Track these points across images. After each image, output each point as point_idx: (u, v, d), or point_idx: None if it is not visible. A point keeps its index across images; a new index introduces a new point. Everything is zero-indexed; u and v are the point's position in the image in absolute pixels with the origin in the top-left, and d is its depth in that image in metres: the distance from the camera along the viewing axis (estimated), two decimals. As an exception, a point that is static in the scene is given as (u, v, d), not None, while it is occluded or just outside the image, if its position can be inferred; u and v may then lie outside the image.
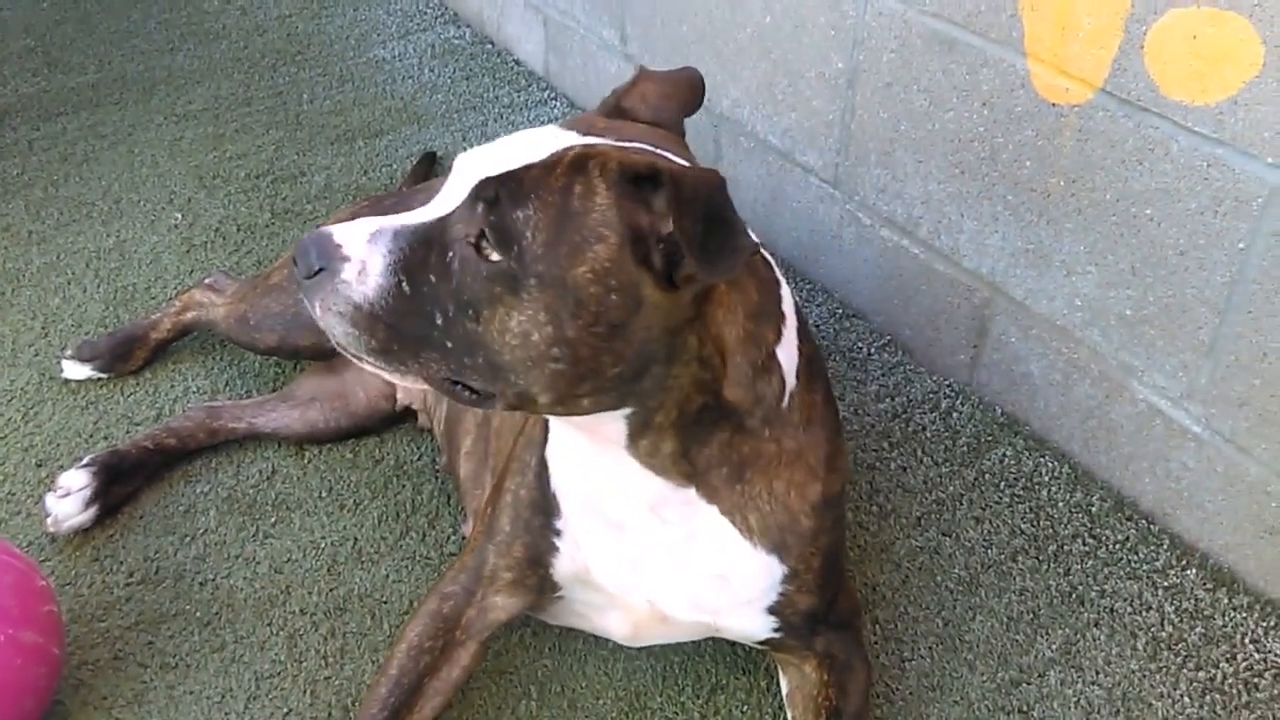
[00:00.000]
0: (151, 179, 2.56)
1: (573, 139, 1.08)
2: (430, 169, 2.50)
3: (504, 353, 1.04)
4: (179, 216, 2.43)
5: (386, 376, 1.12)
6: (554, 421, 1.25)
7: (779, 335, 1.20)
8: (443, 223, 1.05)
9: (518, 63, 3.10)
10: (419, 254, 1.05)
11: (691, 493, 1.22)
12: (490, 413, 1.57)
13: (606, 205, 1.02)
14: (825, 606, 1.35)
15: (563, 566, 1.33)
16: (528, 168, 1.03)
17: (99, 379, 1.96)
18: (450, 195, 1.06)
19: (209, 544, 1.68)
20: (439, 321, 1.05)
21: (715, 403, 1.15)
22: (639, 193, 1.01)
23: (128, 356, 1.96)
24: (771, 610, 1.32)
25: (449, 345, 1.06)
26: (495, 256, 1.02)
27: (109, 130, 2.76)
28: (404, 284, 1.05)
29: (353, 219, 1.81)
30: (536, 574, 1.34)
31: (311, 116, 2.83)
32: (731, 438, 1.19)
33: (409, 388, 1.84)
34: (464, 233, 1.03)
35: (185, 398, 1.94)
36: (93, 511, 1.67)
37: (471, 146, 2.75)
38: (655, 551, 1.28)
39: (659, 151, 1.10)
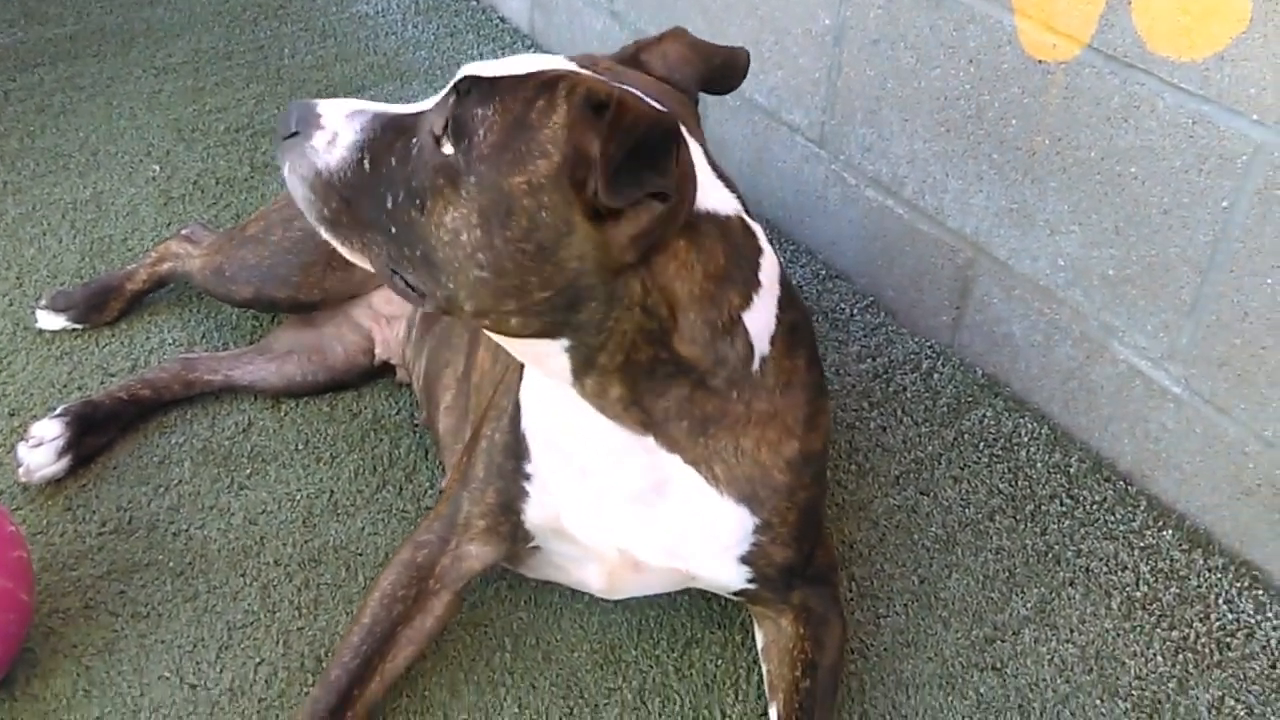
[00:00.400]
0: (129, 131, 2.53)
1: (565, 65, 1.08)
2: (412, 125, 2.47)
3: (438, 249, 1.07)
4: (157, 169, 2.40)
5: (342, 251, 1.18)
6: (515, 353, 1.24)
7: (747, 301, 1.17)
8: (420, 116, 1.10)
9: (502, 20, 3.07)
10: (388, 138, 1.10)
11: (650, 441, 1.21)
12: (471, 368, 1.56)
13: (560, 125, 1.02)
14: (802, 561, 1.35)
15: (533, 513, 1.33)
16: (506, 75, 1.06)
17: (74, 330, 1.94)
18: (440, 96, 1.09)
19: (183, 495, 1.67)
20: (388, 205, 1.10)
21: (669, 356, 1.15)
22: (596, 121, 1.00)
23: (103, 307, 1.94)
24: (745, 560, 1.31)
25: (393, 230, 1.10)
26: (447, 149, 1.05)
27: (87, 82, 2.71)
28: (365, 161, 1.11)
29: None
30: (509, 520, 1.34)
31: (293, 71, 2.80)
32: (692, 394, 1.18)
33: (386, 340, 1.83)
34: (430, 123, 1.07)
35: (161, 350, 1.92)
36: (65, 461, 1.66)
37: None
38: (622, 498, 1.27)
39: (644, 97, 1.08)
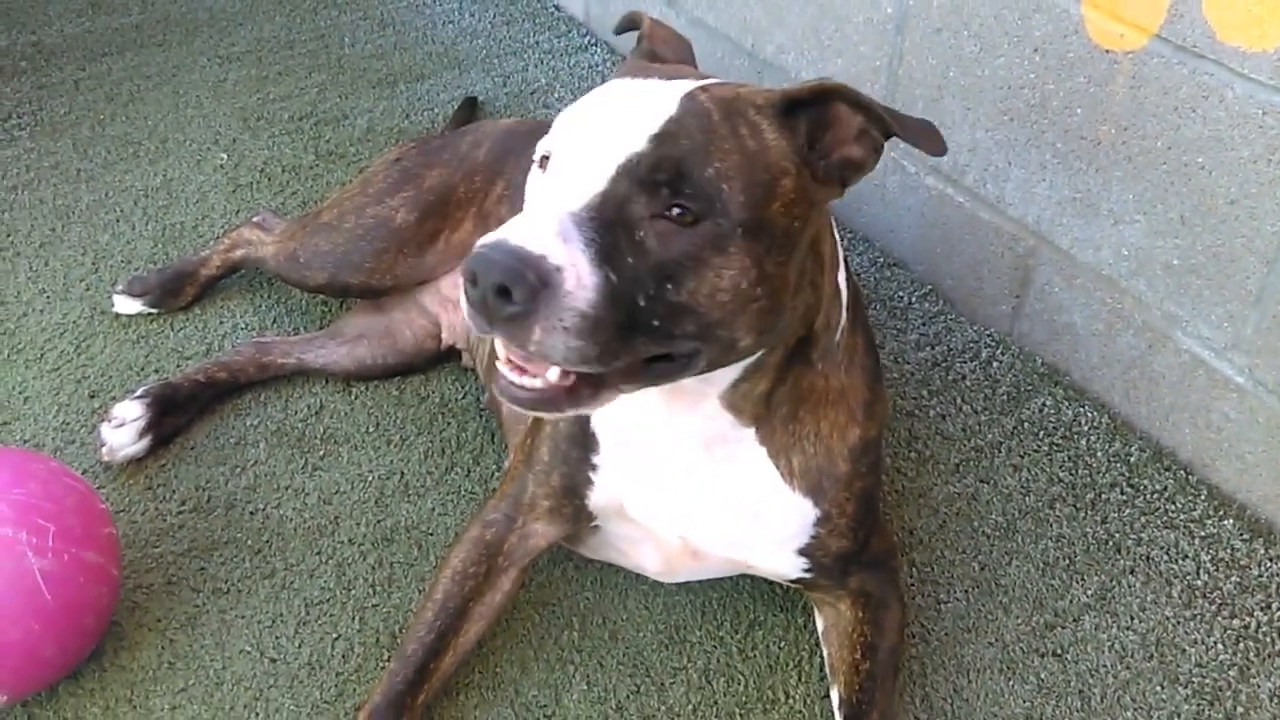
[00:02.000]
0: (196, 119, 2.58)
1: (666, 84, 1.08)
2: (471, 114, 2.51)
3: (713, 311, 1.03)
4: (224, 156, 2.45)
5: (599, 371, 1.03)
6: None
7: (837, 264, 1.22)
8: (609, 200, 1.00)
9: (558, 8, 3.09)
10: (608, 239, 0.99)
11: (750, 433, 1.25)
12: None
13: (775, 138, 1.07)
14: (857, 549, 1.38)
15: (597, 498, 1.36)
16: (679, 126, 1.02)
17: (149, 314, 2.00)
18: (585, 170, 1.02)
19: (259, 475, 1.72)
20: (642, 303, 1.00)
21: (808, 333, 1.20)
22: (792, 120, 1.08)
23: (178, 292, 1.99)
24: (802, 552, 1.34)
25: (655, 324, 1.02)
26: (696, 221, 1.00)
27: (153, 71, 2.77)
28: (610, 275, 0.98)
29: (398, 161, 1.84)
30: (572, 503, 1.37)
31: (353, 60, 2.84)
32: (800, 372, 1.23)
33: (453, 325, 1.86)
34: (646, 209, 1.00)
35: (234, 334, 1.97)
36: (146, 441, 1.71)
37: (513, 92, 2.74)
38: (691, 489, 1.30)
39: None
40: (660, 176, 1.00)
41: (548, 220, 0.98)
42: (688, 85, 1.08)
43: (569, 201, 1.00)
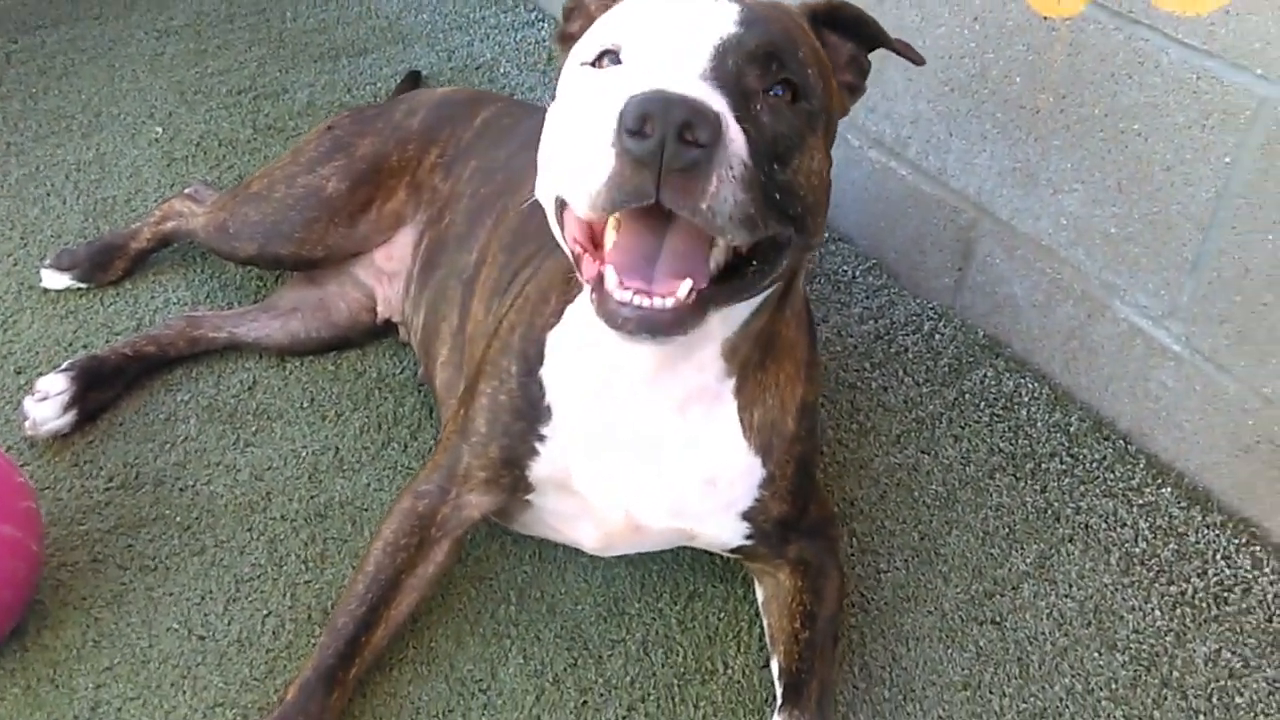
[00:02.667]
0: (132, 93, 2.52)
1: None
2: (415, 88, 2.46)
3: (810, 194, 1.06)
4: (159, 130, 2.39)
5: (736, 240, 0.99)
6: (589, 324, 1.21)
7: None
8: (725, 72, 1.00)
9: (505, -17, 3.05)
10: (734, 105, 0.98)
11: (731, 384, 1.25)
12: (465, 319, 1.57)
13: (815, 42, 1.15)
14: (796, 514, 1.37)
15: (540, 469, 1.33)
16: (759, 16, 1.06)
17: (78, 289, 1.95)
18: (679, 51, 1.00)
19: (189, 451, 1.68)
20: (762, 177, 0.98)
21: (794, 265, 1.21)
22: (818, 28, 1.18)
23: (107, 266, 1.94)
24: (746, 516, 1.33)
25: (777, 197, 1.01)
26: (794, 100, 1.04)
27: (88, 44, 2.71)
28: (750, 133, 0.97)
29: (330, 130, 1.81)
30: (511, 474, 1.35)
31: (294, 34, 2.79)
32: (774, 317, 1.24)
33: (388, 298, 1.83)
34: (759, 83, 1.02)
35: (165, 308, 1.92)
36: (71, 416, 1.67)
37: (458, 67, 2.71)
38: (648, 457, 1.28)
39: None
40: (766, 52, 1.02)
41: (685, 75, 0.96)
42: None
43: (686, 69, 0.98)
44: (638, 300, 0.98)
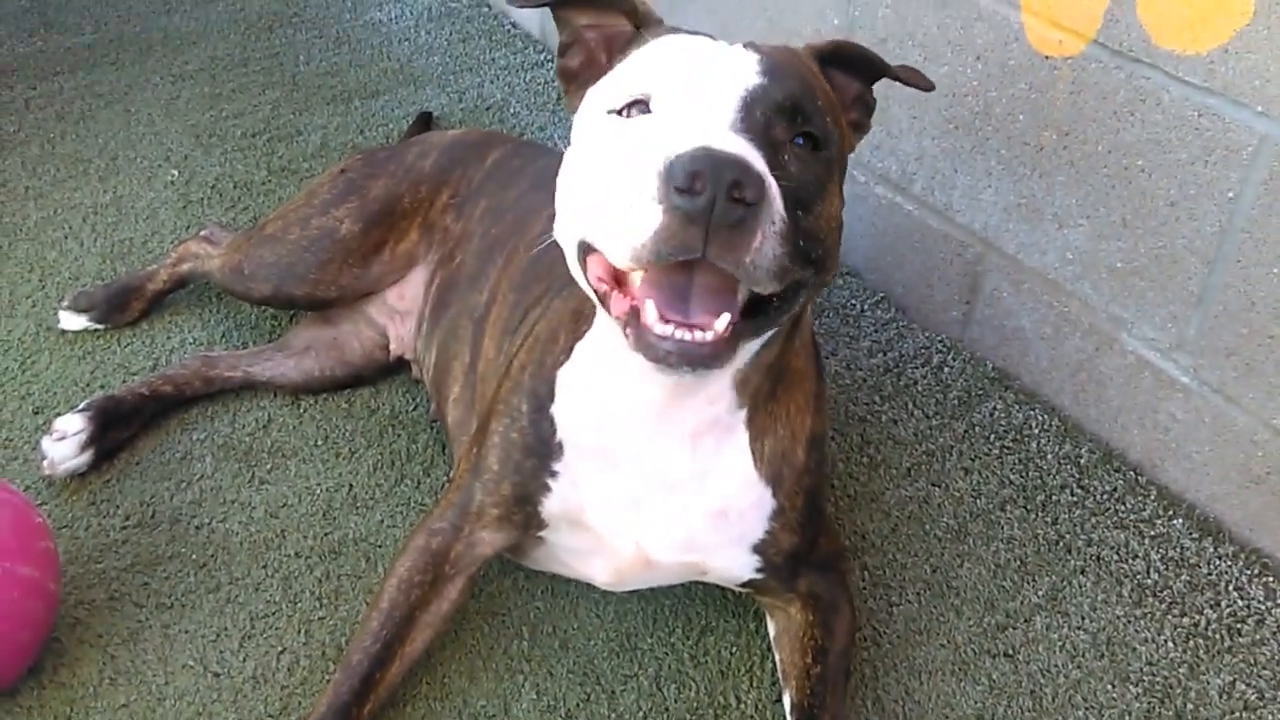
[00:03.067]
0: (148, 137, 2.57)
1: (718, 41, 1.14)
2: (426, 129, 2.50)
3: (828, 238, 1.10)
4: (175, 173, 2.43)
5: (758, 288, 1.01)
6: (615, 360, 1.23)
7: None
8: (755, 124, 1.02)
9: (514, 25, 3.10)
10: (768, 157, 1.01)
11: (743, 416, 1.26)
12: (476, 358, 1.58)
13: (826, 85, 1.19)
14: (806, 547, 1.38)
15: (553, 505, 1.34)
16: (778, 65, 1.08)
17: (95, 330, 1.97)
18: (709, 103, 1.03)
19: (205, 489, 1.70)
20: (792, 226, 1.01)
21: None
22: (825, 69, 1.21)
23: (124, 307, 1.97)
24: (756, 549, 1.34)
25: (802, 244, 1.03)
26: (816, 149, 1.07)
27: (105, 90, 2.75)
28: (782, 183, 1.01)
29: (344, 173, 1.84)
30: (524, 511, 1.35)
31: (307, 77, 2.83)
32: (784, 347, 1.26)
33: (401, 336, 1.85)
34: (785, 134, 1.05)
35: (182, 349, 1.95)
36: (88, 455, 1.68)
37: (468, 108, 2.74)
38: (660, 491, 1.29)
39: None
40: (792, 105, 1.05)
41: (722, 131, 0.98)
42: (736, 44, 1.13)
43: (718, 122, 1.01)
44: (679, 334, 1.00)
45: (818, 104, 1.10)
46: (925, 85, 1.32)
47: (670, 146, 0.95)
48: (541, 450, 1.32)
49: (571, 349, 1.30)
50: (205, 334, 1.98)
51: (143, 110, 2.67)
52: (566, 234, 1.13)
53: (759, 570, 1.36)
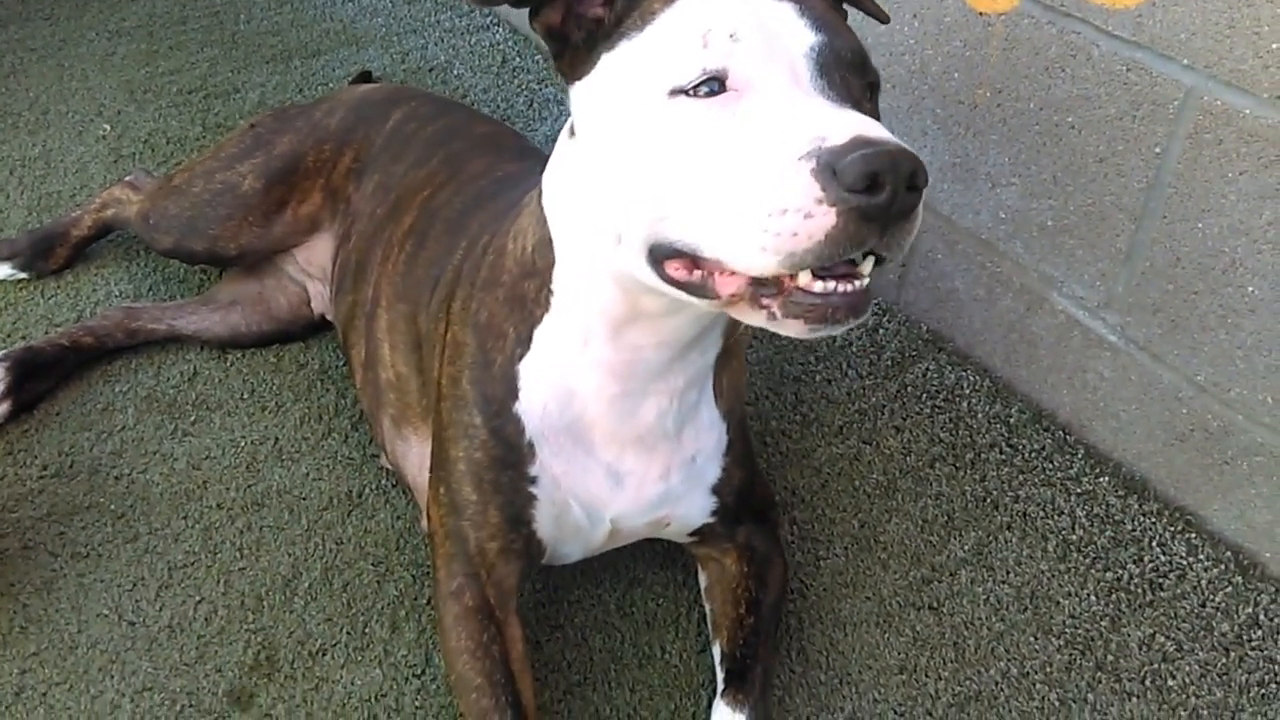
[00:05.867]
0: (81, 91, 2.51)
1: None
2: (367, 87, 2.46)
3: None
4: (107, 128, 2.38)
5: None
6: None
7: None
8: (847, 91, 0.98)
9: (461, -11, 3.06)
10: None
11: (714, 355, 1.25)
12: (374, 356, 1.55)
13: None
14: (749, 481, 1.39)
15: (543, 514, 1.27)
16: (817, 14, 1.01)
17: (19, 279, 1.93)
18: (796, 78, 0.96)
19: (126, 441, 1.66)
20: None
21: None
22: None
23: (48, 254, 1.92)
24: (714, 489, 1.34)
25: None
26: (872, 95, 1.04)
27: (38, 44, 2.69)
28: None
29: (253, 128, 1.80)
30: (520, 535, 1.28)
31: (248, 36, 2.78)
32: None
33: (321, 294, 1.83)
34: (859, 94, 1.00)
35: (107, 301, 1.91)
36: (5, 406, 1.65)
37: (411, 68, 2.70)
38: (640, 456, 1.26)
39: None
40: (854, 56, 0.99)
41: (855, 114, 0.91)
42: None
43: (820, 93, 0.95)
44: (841, 287, 0.92)
45: (862, 45, 1.04)
46: (881, 16, 1.27)
47: (815, 141, 0.87)
48: (512, 458, 1.25)
49: (530, 338, 1.22)
50: (131, 286, 1.94)
51: (76, 65, 2.61)
52: (628, 229, 1.01)
53: (714, 513, 1.35)
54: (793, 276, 0.92)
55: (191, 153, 2.30)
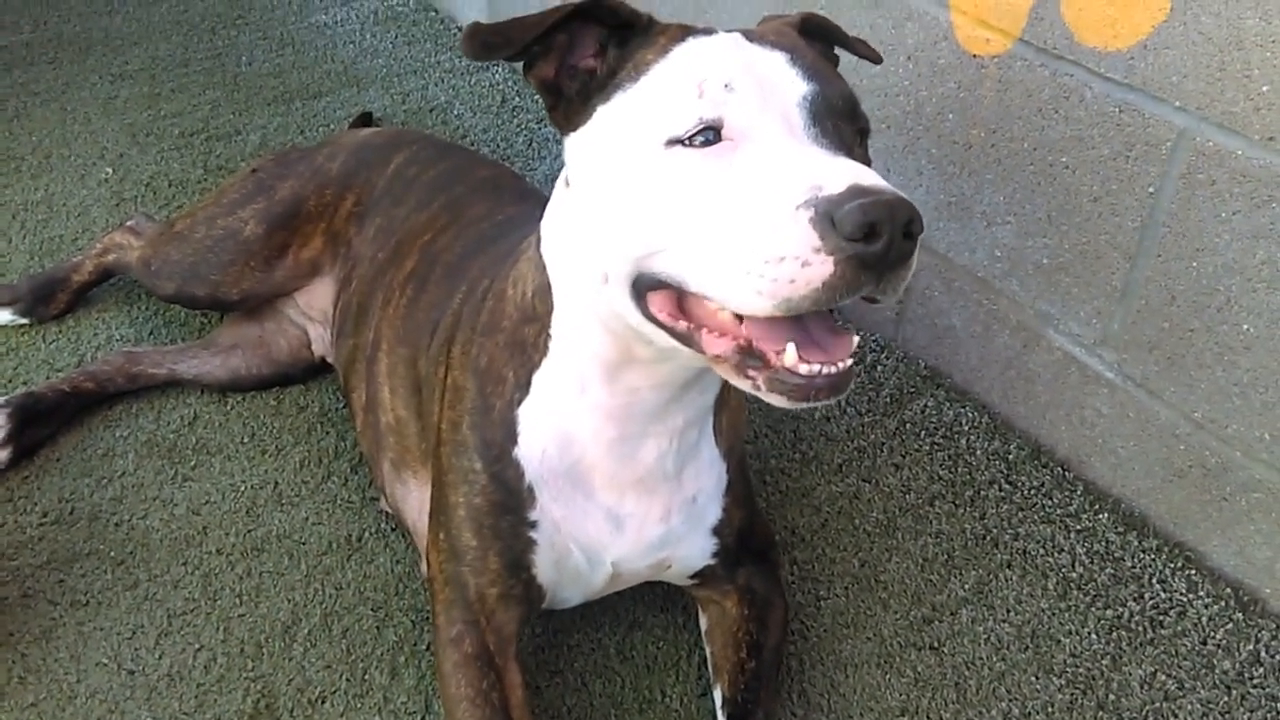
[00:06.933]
0: (83, 135, 2.53)
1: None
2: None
3: None
4: (109, 171, 2.40)
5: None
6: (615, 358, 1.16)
7: None
8: (840, 139, 1.00)
9: (460, 29, 3.09)
10: None
11: (714, 395, 1.25)
12: (375, 400, 1.56)
13: None
14: (749, 524, 1.39)
15: (543, 559, 1.27)
16: (805, 60, 1.03)
17: (20, 325, 1.94)
18: (790, 128, 0.97)
19: (126, 486, 1.67)
20: None
21: None
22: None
23: (49, 299, 1.93)
24: (715, 530, 1.34)
25: None
26: (862, 140, 1.06)
27: (42, 88, 2.72)
28: None
29: (255, 173, 1.81)
30: (520, 580, 1.28)
31: (249, 78, 2.81)
32: None
33: (321, 337, 1.83)
34: (851, 140, 1.02)
35: (108, 346, 1.91)
36: (6, 453, 1.65)
37: (412, 110, 2.72)
38: (641, 498, 1.26)
39: None
40: (844, 104, 1.01)
41: (850, 163, 0.93)
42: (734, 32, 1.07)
43: (813, 141, 0.96)
44: (825, 370, 0.94)
45: (852, 93, 1.05)
46: (874, 57, 1.29)
47: (812, 189, 0.89)
48: (512, 503, 1.25)
49: (529, 383, 1.21)
50: (132, 331, 1.95)
51: (79, 109, 2.64)
52: (613, 268, 1.02)
53: (714, 555, 1.35)
54: (779, 353, 0.94)
55: (193, 195, 2.32)
